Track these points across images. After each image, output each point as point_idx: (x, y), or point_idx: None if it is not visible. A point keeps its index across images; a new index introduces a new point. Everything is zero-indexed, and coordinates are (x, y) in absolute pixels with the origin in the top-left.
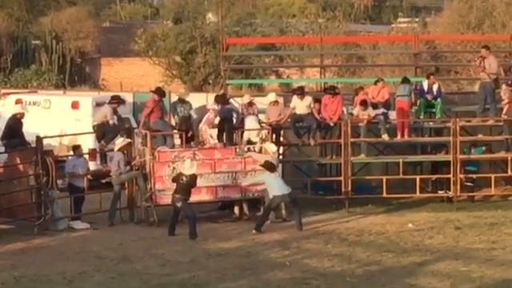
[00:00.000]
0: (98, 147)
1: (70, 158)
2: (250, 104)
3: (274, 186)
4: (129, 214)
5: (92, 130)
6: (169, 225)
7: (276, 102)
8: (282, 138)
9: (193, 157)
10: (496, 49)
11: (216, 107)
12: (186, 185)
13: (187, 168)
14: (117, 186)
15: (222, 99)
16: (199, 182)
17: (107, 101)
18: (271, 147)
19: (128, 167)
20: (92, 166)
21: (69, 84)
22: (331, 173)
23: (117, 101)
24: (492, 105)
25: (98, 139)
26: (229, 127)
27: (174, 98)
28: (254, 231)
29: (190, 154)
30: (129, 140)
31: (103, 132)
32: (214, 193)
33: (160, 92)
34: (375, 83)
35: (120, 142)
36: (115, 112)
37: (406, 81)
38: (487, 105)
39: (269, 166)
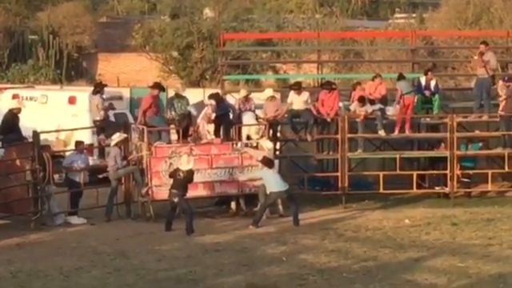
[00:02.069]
0: (97, 141)
1: (70, 152)
2: (247, 99)
3: (272, 182)
4: (125, 209)
5: (88, 125)
6: (166, 220)
7: (273, 98)
8: (279, 134)
9: (190, 152)
10: (493, 45)
11: (213, 102)
12: (182, 180)
13: (184, 163)
14: (114, 181)
15: (215, 97)
16: (196, 178)
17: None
18: (267, 144)
19: (125, 162)
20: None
21: (66, 79)
22: (328, 168)
23: (99, 88)
24: (487, 100)
25: (98, 134)
26: (226, 123)
27: (171, 93)
28: (250, 226)
29: (186, 150)
30: (125, 135)
31: (103, 127)
32: (210, 188)
33: (159, 86)
34: (373, 79)
35: (116, 137)
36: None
37: (403, 77)
38: (483, 101)
39: (267, 162)
